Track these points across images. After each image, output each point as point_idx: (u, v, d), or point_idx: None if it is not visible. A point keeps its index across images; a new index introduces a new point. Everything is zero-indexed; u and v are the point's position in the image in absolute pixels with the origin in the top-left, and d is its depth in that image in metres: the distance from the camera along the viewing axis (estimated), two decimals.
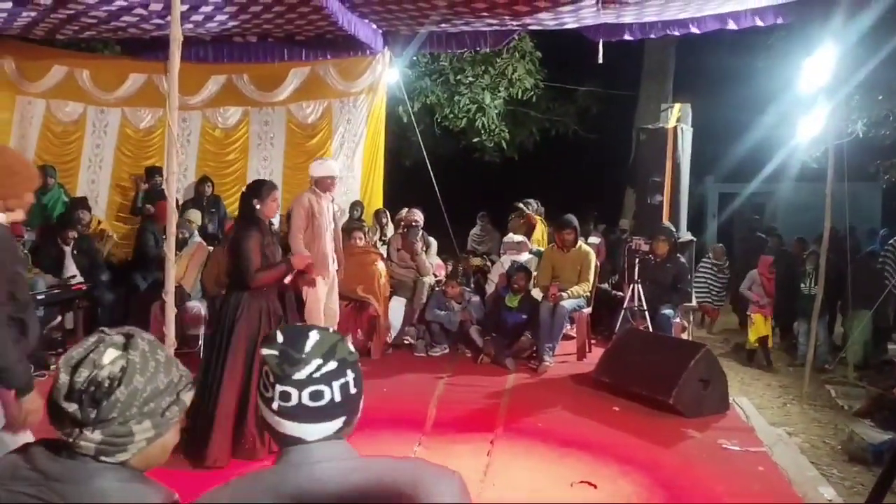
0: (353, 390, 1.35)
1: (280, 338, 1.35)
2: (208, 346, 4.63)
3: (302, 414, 1.31)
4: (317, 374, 1.30)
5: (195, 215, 7.75)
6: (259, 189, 4.62)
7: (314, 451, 1.32)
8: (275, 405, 1.31)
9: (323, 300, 6.32)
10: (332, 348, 1.34)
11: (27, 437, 2.62)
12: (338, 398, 1.32)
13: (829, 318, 8.52)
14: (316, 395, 1.30)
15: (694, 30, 7.91)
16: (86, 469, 1.36)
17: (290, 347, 1.32)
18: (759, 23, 7.55)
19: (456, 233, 9.74)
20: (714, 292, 9.72)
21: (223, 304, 4.56)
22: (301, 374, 1.30)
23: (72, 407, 1.34)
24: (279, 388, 1.30)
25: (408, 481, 1.29)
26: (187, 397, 1.46)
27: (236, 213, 8.82)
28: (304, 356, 1.31)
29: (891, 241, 8.66)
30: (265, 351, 1.34)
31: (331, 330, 1.39)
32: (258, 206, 4.57)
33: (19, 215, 2.79)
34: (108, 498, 1.35)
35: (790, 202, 16.31)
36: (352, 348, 1.39)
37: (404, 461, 1.37)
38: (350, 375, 1.35)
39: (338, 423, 1.33)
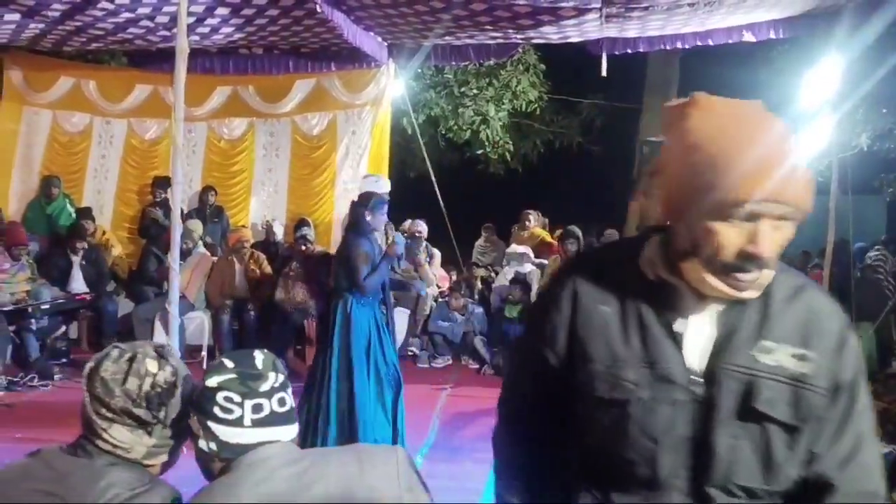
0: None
1: (230, 364, 1.46)
2: (319, 354, 4.72)
3: (275, 420, 1.44)
4: (276, 384, 1.45)
5: (196, 225, 7.77)
6: (369, 201, 4.71)
7: (262, 451, 1.41)
8: (247, 421, 1.42)
9: None
10: (274, 364, 1.49)
11: None
12: (293, 404, 1.49)
13: None
14: (281, 402, 1.45)
15: (699, 43, 7.95)
16: (94, 467, 1.46)
17: (245, 367, 1.45)
18: (771, 36, 7.57)
19: (460, 244, 9.75)
20: None
21: (329, 313, 4.64)
22: (266, 386, 1.44)
23: (140, 410, 1.48)
24: (249, 402, 1.42)
25: (352, 458, 1.43)
26: None
27: (240, 223, 8.92)
28: (261, 371, 1.45)
29: (876, 255, 8.63)
30: (218, 378, 1.44)
31: (265, 351, 1.53)
32: (368, 218, 4.64)
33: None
34: (116, 496, 1.43)
35: None
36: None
37: (346, 447, 1.55)
38: (289, 387, 1.50)
39: (297, 426, 1.50)
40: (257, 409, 1.42)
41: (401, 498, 1.38)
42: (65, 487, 1.42)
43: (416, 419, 5.47)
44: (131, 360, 1.49)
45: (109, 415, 1.47)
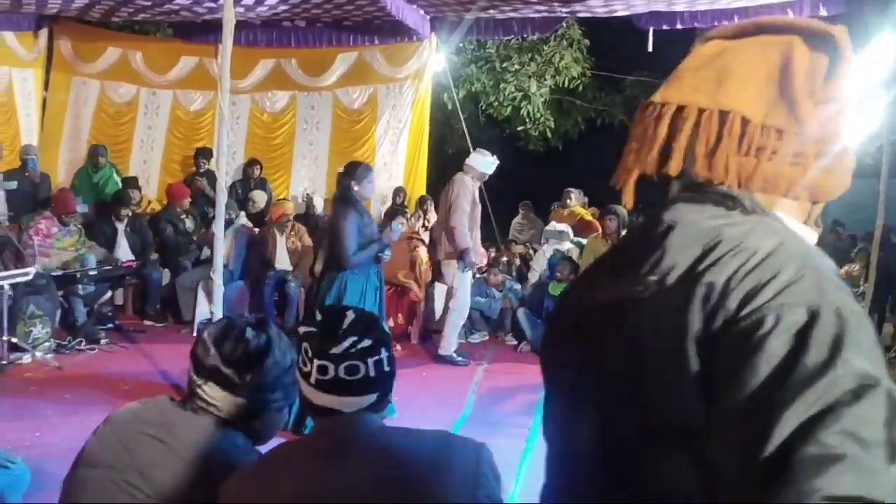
0: (386, 368, 1.41)
1: (319, 316, 1.44)
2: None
3: (338, 387, 1.37)
4: (353, 350, 1.37)
5: (261, 196, 7.91)
6: (354, 171, 4.69)
7: (345, 420, 1.39)
8: (312, 379, 1.38)
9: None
10: (368, 326, 1.41)
11: None
12: (372, 373, 1.38)
13: (878, 318, 8.31)
14: (352, 370, 1.37)
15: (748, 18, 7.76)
16: (199, 422, 1.61)
17: (329, 324, 1.40)
18: (822, 13, 7.36)
19: (498, 221, 9.73)
20: None
21: (319, 284, 4.61)
22: (338, 349, 1.37)
23: (229, 371, 1.60)
24: (317, 362, 1.37)
25: (432, 448, 1.38)
26: None
27: (281, 196, 9.00)
28: (341, 332, 1.38)
29: None
30: (304, 328, 1.43)
31: (367, 310, 1.48)
32: (355, 188, 4.62)
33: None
34: (209, 452, 1.57)
35: (842, 199, 15.92)
36: (386, 328, 1.47)
37: (431, 432, 1.44)
38: (384, 353, 1.41)
39: (371, 397, 1.40)
40: (322, 370, 1.37)
41: None
42: (172, 436, 1.57)
43: (453, 393, 5.52)
44: (231, 327, 1.64)
45: (204, 372, 1.62)
